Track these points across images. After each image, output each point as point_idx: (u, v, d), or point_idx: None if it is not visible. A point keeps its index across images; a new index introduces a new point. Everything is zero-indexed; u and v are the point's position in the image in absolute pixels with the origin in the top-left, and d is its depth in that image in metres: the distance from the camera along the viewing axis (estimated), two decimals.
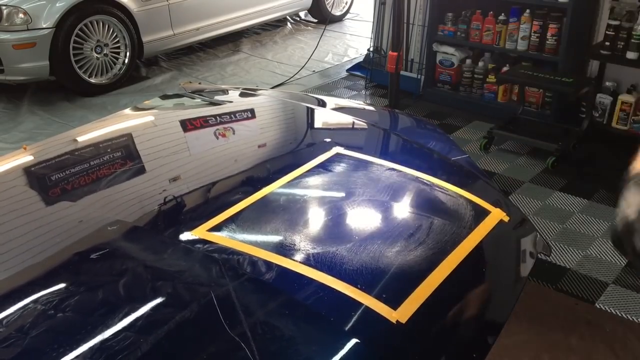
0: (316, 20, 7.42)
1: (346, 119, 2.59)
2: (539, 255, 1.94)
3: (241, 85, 5.55)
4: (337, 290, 1.40)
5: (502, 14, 4.52)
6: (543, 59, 4.41)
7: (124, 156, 2.07)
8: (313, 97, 2.98)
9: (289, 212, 1.71)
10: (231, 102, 2.72)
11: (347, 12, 7.65)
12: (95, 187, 1.87)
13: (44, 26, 4.80)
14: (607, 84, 4.29)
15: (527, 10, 4.38)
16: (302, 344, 1.31)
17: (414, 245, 1.60)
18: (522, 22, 4.41)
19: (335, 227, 1.67)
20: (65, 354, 1.19)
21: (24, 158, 2.06)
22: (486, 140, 4.23)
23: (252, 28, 6.93)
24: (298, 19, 7.60)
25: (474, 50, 4.91)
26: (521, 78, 4.22)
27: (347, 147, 2.11)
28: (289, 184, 1.83)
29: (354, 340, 1.30)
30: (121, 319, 1.28)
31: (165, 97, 2.86)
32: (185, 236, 1.58)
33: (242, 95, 2.87)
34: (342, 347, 1.28)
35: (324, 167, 1.95)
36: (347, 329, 1.32)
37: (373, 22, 5.56)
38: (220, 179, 1.99)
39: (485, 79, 4.81)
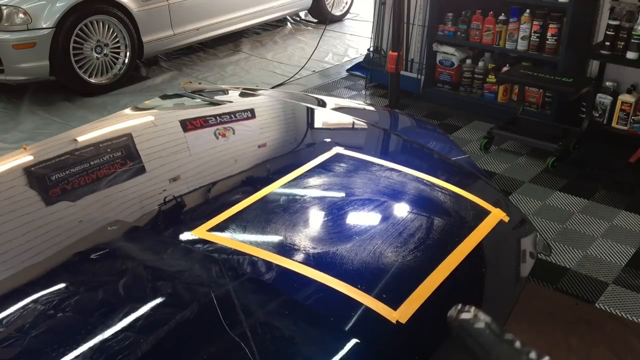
0: (316, 20, 7.42)
1: (346, 119, 2.59)
2: (539, 255, 1.94)
3: (241, 85, 5.54)
4: (337, 291, 1.40)
5: (502, 14, 4.52)
6: (543, 59, 4.41)
7: (124, 156, 2.07)
8: (313, 97, 2.98)
9: (289, 212, 1.70)
10: (231, 102, 2.72)
11: (347, 12, 7.65)
12: (95, 187, 1.87)
13: (44, 26, 4.80)
14: (607, 84, 4.29)
15: (527, 10, 4.38)
16: (302, 344, 1.31)
17: (414, 245, 1.60)
18: (522, 22, 4.41)
19: (335, 227, 1.67)
20: (65, 354, 1.19)
21: (24, 158, 2.06)
22: (486, 140, 4.23)
23: (252, 28, 6.93)
24: (298, 19, 7.60)
25: (474, 50, 4.91)
26: (521, 78, 4.21)
27: (347, 147, 2.11)
28: (289, 184, 1.83)
29: (354, 340, 1.30)
30: (121, 319, 1.28)
31: (165, 97, 2.86)
32: (185, 236, 1.58)
33: (242, 95, 2.86)
34: (342, 347, 1.28)
35: (324, 167, 1.95)
36: (347, 329, 1.32)
37: (373, 22, 5.55)
38: (220, 179, 1.99)
39: (485, 79, 4.80)
